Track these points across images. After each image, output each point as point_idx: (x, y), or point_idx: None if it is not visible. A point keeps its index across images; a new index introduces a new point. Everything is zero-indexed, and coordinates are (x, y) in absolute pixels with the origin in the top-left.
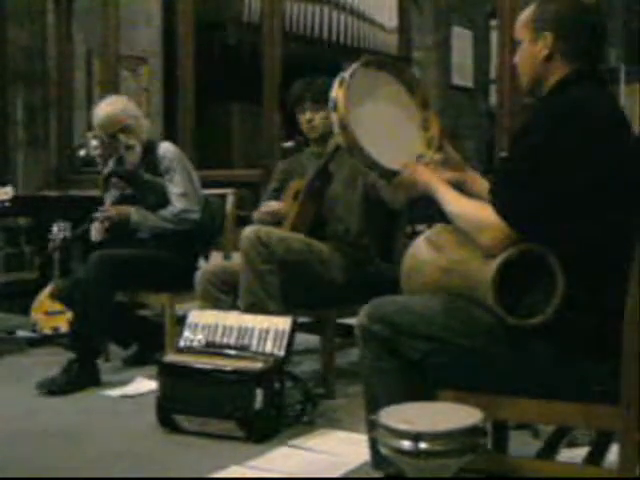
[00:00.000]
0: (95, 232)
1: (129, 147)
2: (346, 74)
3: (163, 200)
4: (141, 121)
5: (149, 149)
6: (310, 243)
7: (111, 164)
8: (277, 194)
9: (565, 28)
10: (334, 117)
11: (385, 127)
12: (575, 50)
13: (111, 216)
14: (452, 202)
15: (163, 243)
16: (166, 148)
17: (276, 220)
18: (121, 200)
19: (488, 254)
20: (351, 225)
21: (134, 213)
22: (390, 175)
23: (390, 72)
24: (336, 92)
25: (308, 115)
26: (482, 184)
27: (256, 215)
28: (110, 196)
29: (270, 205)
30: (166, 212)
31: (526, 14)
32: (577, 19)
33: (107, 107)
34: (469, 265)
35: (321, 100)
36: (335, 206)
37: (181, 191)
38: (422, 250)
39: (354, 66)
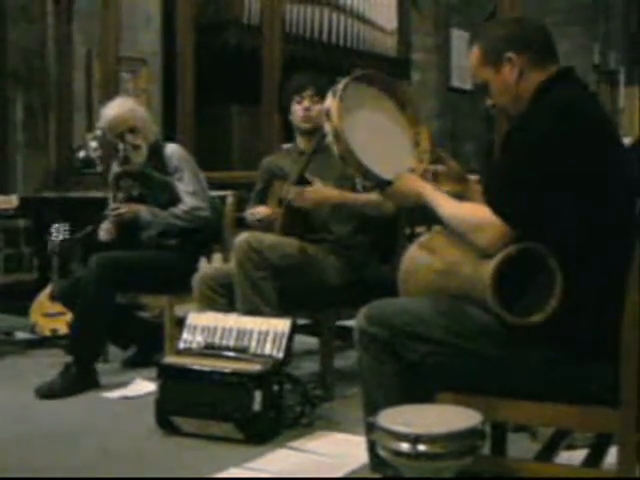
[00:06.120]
0: (104, 232)
1: (136, 147)
2: (339, 86)
3: (174, 199)
4: (148, 123)
5: (155, 150)
6: (303, 247)
7: (115, 165)
8: (263, 195)
9: (520, 40)
10: (328, 127)
11: (377, 139)
12: (540, 54)
13: (122, 214)
14: (446, 206)
15: (165, 245)
16: (173, 148)
17: (266, 225)
18: (129, 201)
19: (486, 254)
20: (341, 227)
21: (144, 211)
22: (383, 184)
23: (381, 88)
24: (329, 103)
25: (306, 103)
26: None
27: (249, 217)
28: (119, 197)
29: (258, 212)
30: (177, 210)
31: (475, 57)
32: (523, 28)
33: (116, 108)
34: (465, 266)
35: (322, 93)
36: (322, 210)
37: (191, 189)
38: (417, 254)
39: (346, 79)
